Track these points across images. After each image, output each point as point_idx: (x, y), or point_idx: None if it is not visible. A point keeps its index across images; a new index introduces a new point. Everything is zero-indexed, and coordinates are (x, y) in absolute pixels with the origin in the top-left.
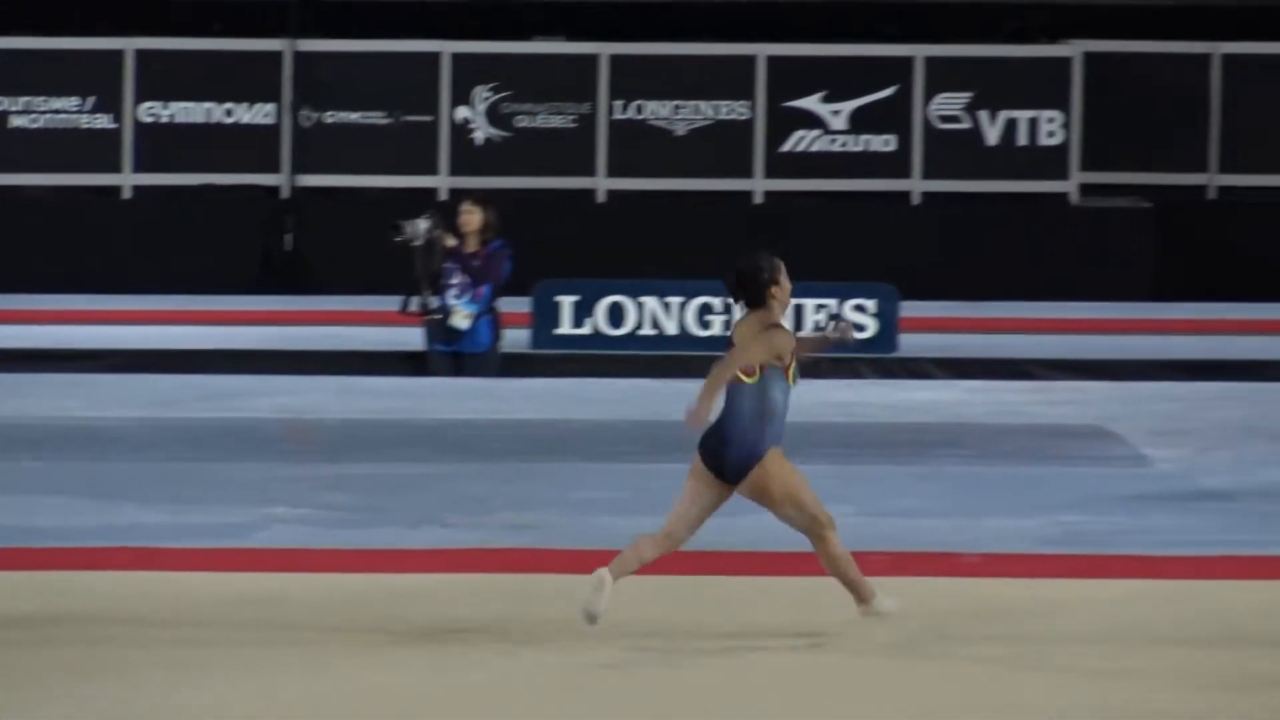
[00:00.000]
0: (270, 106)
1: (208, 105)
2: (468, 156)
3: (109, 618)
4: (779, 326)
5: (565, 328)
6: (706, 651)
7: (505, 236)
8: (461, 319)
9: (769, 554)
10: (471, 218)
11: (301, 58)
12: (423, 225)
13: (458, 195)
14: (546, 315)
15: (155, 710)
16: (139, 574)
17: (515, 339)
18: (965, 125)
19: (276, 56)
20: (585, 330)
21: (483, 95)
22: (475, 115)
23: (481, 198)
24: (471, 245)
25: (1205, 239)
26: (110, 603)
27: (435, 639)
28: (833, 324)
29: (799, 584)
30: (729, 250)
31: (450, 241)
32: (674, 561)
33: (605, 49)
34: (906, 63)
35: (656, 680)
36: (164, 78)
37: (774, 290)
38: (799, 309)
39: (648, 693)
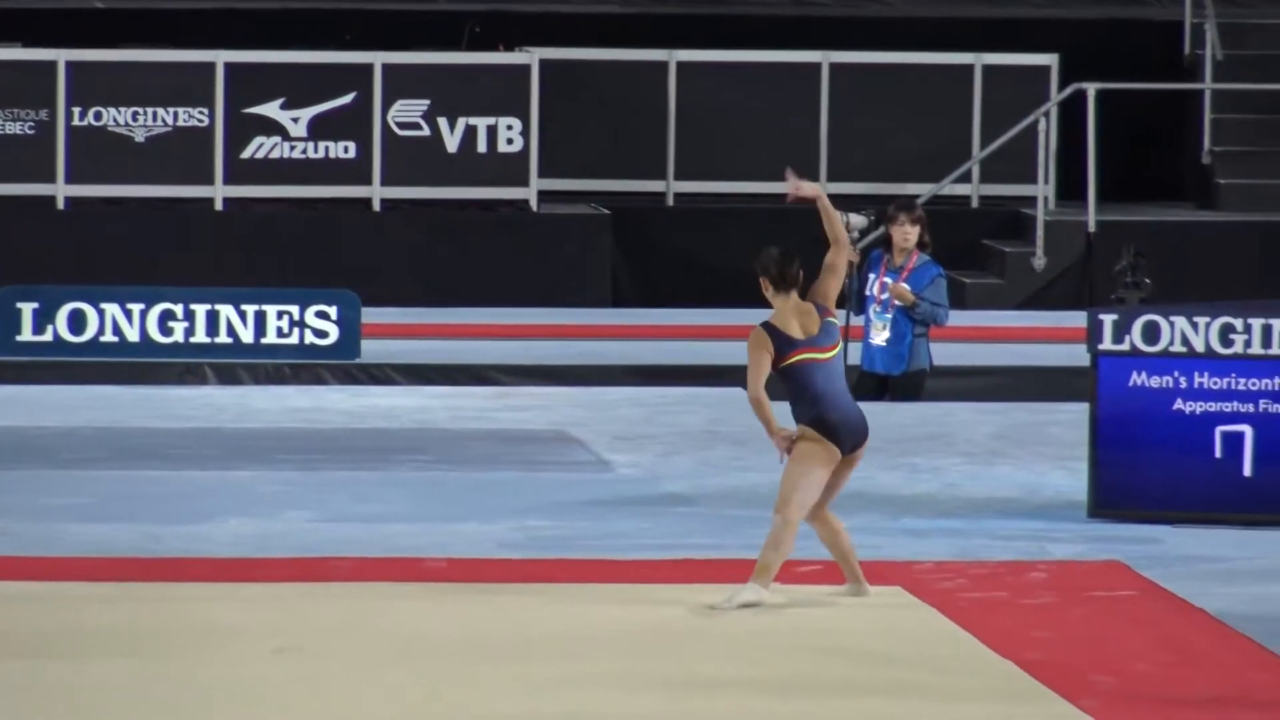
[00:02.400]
0: None
1: None
2: None
3: None
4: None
5: (26, 334)
6: None
7: None
8: None
9: None
10: None
11: None
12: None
13: None
14: (7, 322)
15: None
16: None
17: None
18: (425, 132)
19: None
20: (46, 337)
21: None
22: None
23: None
24: None
25: (663, 245)
26: None
27: None
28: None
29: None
30: (192, 257)
31: None
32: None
33: (63, 55)
34: (366, 70)
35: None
36: None
37: None
38: (261, 315)
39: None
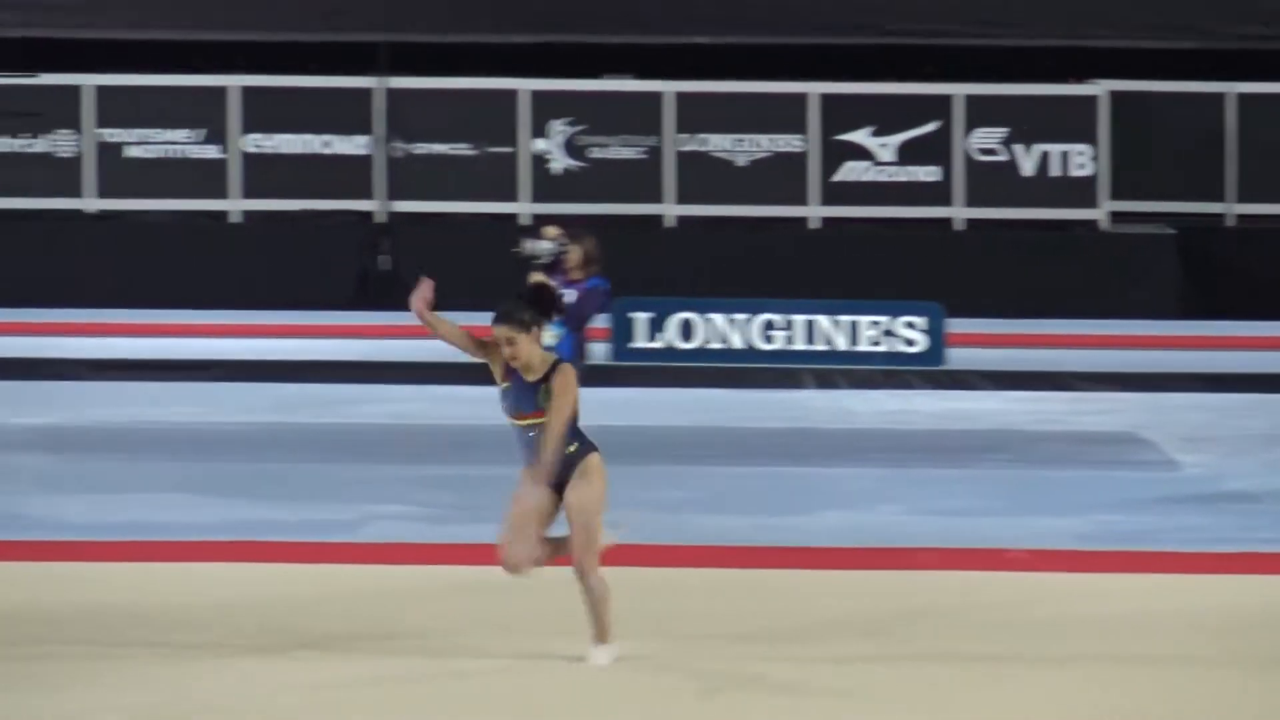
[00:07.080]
0: (364, 138)
1: (306, 137)
2: (546, 184)
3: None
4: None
5: (640, 342)
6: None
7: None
8: (549, 337)
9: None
10: (572, 254)
11: (392, 94)
12: (546, 246)
13: (539, 220)
14: (623, 330)
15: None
16: (253, 565)
17: (595, 352)
18: (1003, 158)
19: (368, 93)
20: (658, 344)
21: (559, 128)
22: (552, 147)
23: (576, 231)
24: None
25: (1224, 262)
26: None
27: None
28: None
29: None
30: (789, 271)
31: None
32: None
33: (671, 86)
34: (947, 100)
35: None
36: (267, 112)
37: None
38: (854, 325)
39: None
